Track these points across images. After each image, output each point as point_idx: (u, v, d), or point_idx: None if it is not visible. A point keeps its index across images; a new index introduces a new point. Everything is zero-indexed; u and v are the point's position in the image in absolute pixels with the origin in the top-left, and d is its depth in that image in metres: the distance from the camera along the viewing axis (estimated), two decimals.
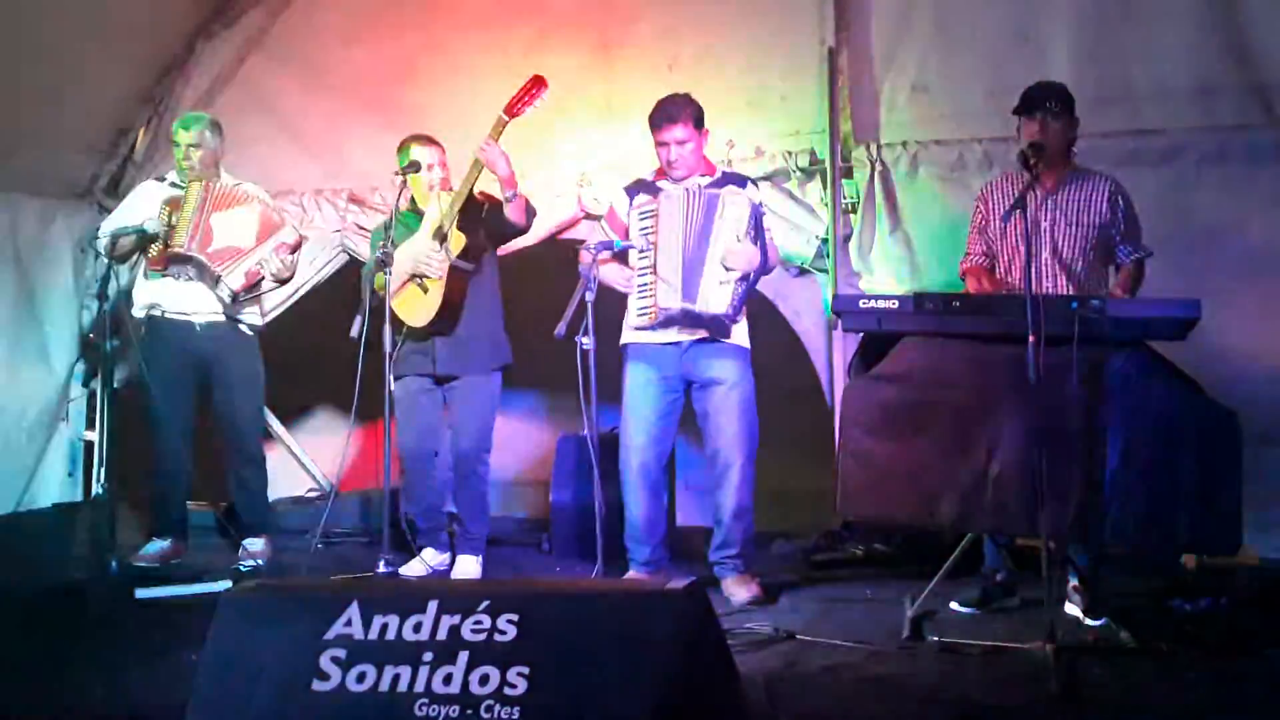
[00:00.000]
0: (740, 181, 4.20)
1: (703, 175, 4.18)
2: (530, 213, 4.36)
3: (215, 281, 4.64)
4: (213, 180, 4.72)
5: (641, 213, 4.12)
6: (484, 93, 5.25)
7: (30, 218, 5.43)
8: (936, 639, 3.46)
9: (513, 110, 4.15)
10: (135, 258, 4.81)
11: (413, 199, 4.51)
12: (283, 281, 4.87)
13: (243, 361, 4.78)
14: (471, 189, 4.30)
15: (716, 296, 3.97)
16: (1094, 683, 3.04)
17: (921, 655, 3.37)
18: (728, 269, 3.97)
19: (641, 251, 4.08)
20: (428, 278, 4.32)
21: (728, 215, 3.99)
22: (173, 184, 4.80)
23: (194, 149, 4.73)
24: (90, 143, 5.61)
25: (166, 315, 4.70)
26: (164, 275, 4.67)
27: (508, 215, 4.29)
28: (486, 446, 4.53)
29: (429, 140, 4.51)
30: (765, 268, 4.13)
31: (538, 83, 4.14)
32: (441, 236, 4.30)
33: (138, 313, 4.76)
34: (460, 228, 4.30)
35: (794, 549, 4.93)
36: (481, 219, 4.38)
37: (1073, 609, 3.75)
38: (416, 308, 4.36)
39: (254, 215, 4.72)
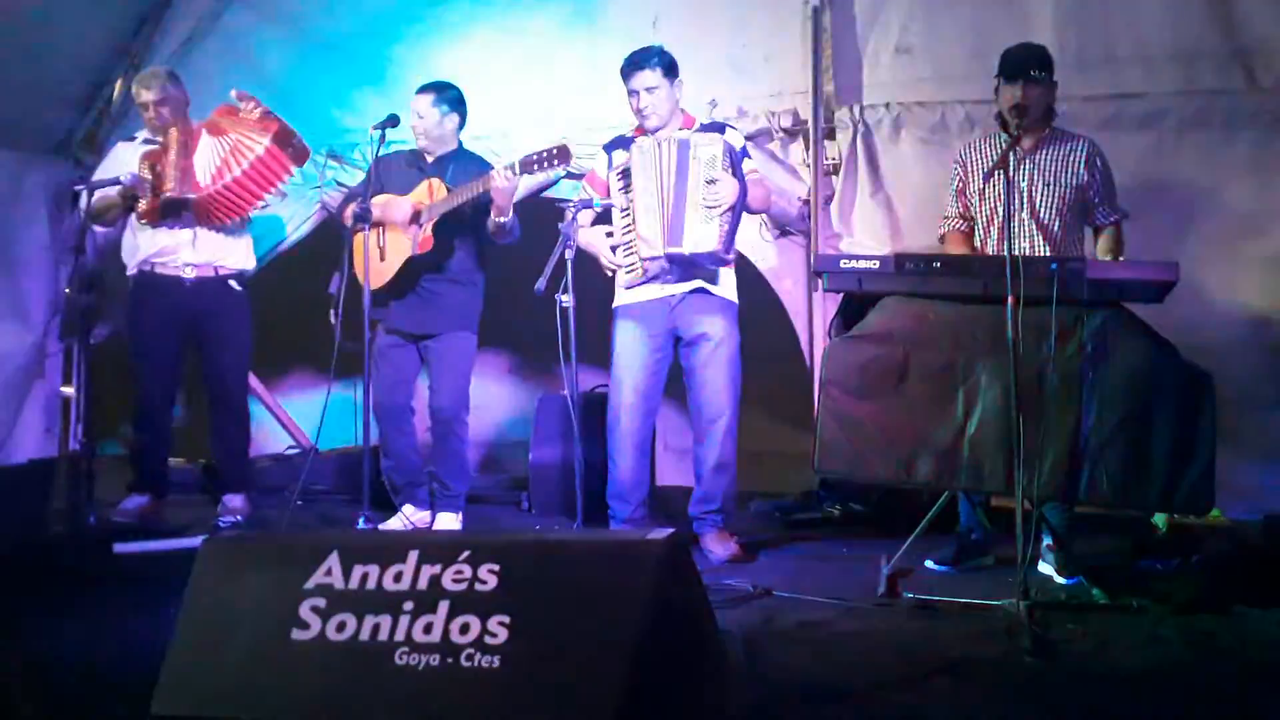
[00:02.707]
0: (719, 128, 4.18)
1: (681, 128, 4.16)
2: (514, 236, 4.34)
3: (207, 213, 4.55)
4: (184, 124, 4.62)
5: (619, 172, 4.11)
6: (466, 49, 5.25)
7: (5, 172, 5.37)
8: (911, 596, 3.50)
9: (526, 167, 4.05)
10: (116, 217, 4.74)
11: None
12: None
13: (232, 318, 4.74)
14: (464, 201, 4.22)
15: (703, 234, 3.96)
16: (1066, 639, 3.07)
17: (896, 612, 3.40)
18: (709, 206, 3.95)
19: (623, 210, 4.08)
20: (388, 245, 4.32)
21: (700, 155, 3.98)
22: (146, 140, 4.73)
23: (161, 105, 4.65)
24: (66, 96, 5.54)
25: (157, 270, 4.66)
26: (158, 227, 4.61)
27: (490, 229, 4.27)
28: (464, 404, 4.52)
29: (422, 90, 4.47)
30: (747, 203, 4.09)
31: (563, 155, 4.00)
32: (417, 223, 4.27)
33: (129, 270, 4.72)
34: (436, 229, 4.26)
35: (772, 508, 4.97)
36: (464, 225, 4.34)
37: (1046, 568, 3.80)
38: (373, 268, 4.32)
39: (226, 144, 4.54)
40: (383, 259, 4.33)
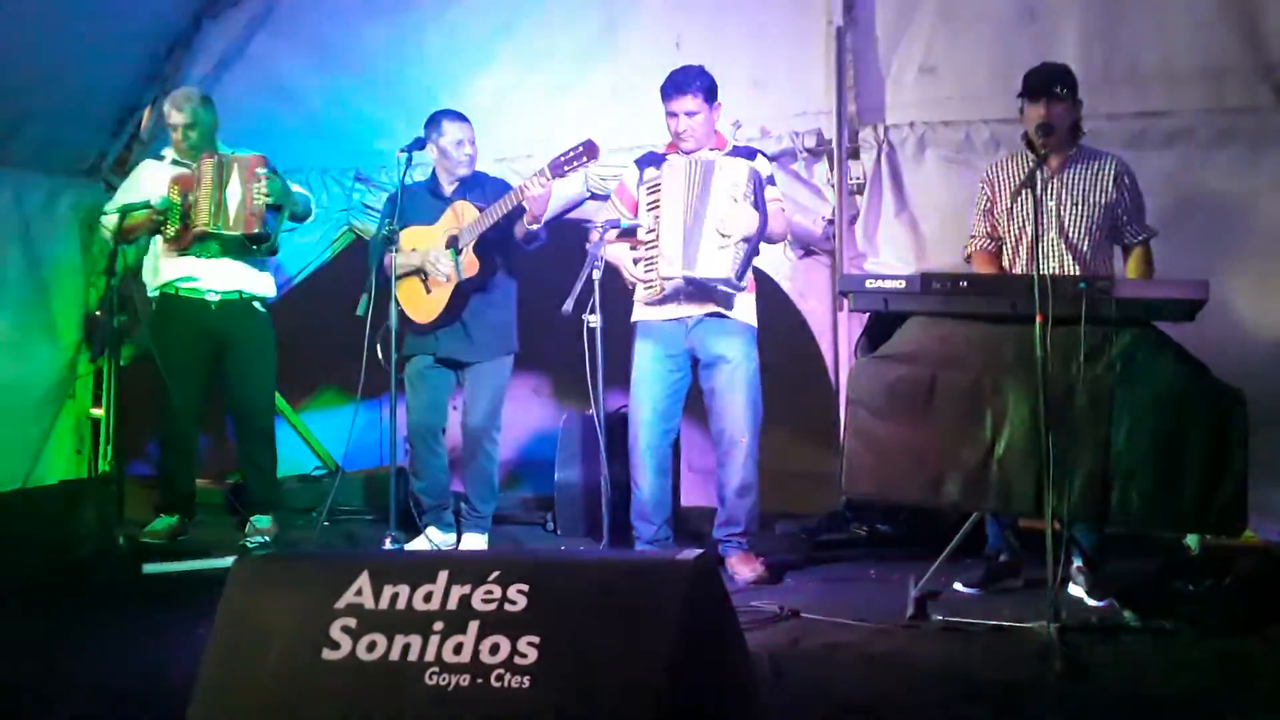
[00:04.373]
0: (749, 153, 4.19)
1: (713, 149, 4.17)
2: (541, 240, 4.38)
3: (239, 244, 4.62)
4: (218, 155, 4.68)
5: (649, 187, 4.12)
6: (489, 70, 5.29)
7: (37, 195, 5.45)
8: (940, 618, 3.47)
9: (557, 170, 4.09)
10: (142, 238, 4.80)
11: (434, 172, 4.52)
12: (288, 199, 4.72)
13: (256, 339, 4.79)
14: (500, 216, 4.23)
15: (716, 261, 3.96)
16: (1097, 662, 3.05)
17: (925, 634, 3.38)
18: (724, 234, 3.95)
19: (649, 228, 4.09)
20: (432, 278, 4.34)
21: (722, 180, 3.98)
22: (174, 162, 4.78)
23: (190, 129, 4.71)
24: (97, 120, 5.61)
25: (181, 293, 4.71)
26: (184, 254, 4.66)
27: (517, 234, 4.31)
28: (496, 425, 4.55)
29: (461, 117, 4.50)
30: (766, 233, 4.08)
31: (590, 150, 4.05)
32: (456, 249, 4.30)
33: (151, 292, 4.78)
34: (477, 251, 4.29)
35: (798, 529, 4.94)
36: (499, 241, 4.37)
37: (1076, 590, 3.76)
38: (420, 305, 4.38)
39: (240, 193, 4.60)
40: (429, 292, 4.37)
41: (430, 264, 4.32)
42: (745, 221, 3.96)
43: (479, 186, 4.48)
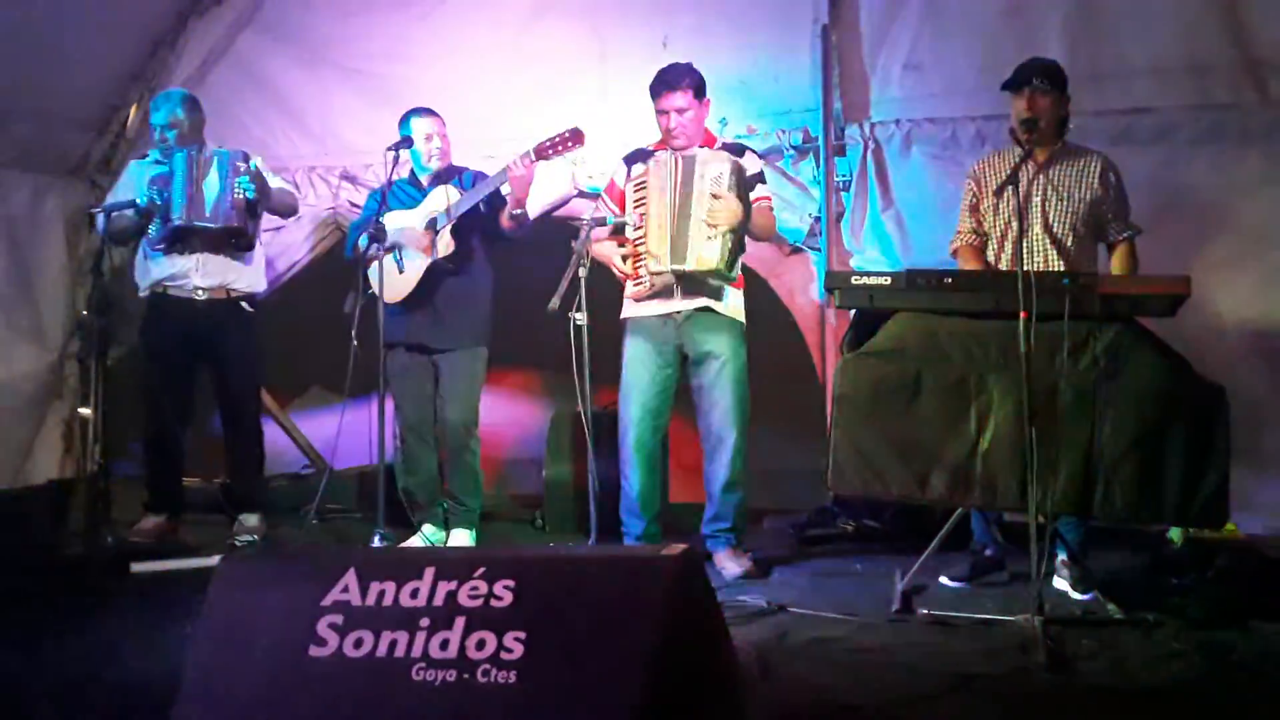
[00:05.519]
0: (738, 150, 4.20)
1: (702, 146, 4.18)
2: (527, 228, 4.38)
3: (222, 237, 4.60)
4: (193, 149, 4.64)
5: (636, 184, 4.14)
6: (478, 69, 5.29)
7: (22, 194, 5.42)
8: (926, 612, 3.49)
9: (541, 153, 4.11)
10: (133, 238, 4.80)
11: (413, 170, 4.53)
12: (265, 196, 4.68)
13: (242, 338, 4.78)
14: (482, 196, 4.28)
15: (706, 253, 3.97)
16: (1081, 654, 3.07)
17: (911, 628, 3.40)
18: (711, 224, 3.96)
19: (635, 225, 4.10)
20: (405, 258, 4.35)
21: (705, 173, 3.99)
22: (156, 161, 4.78)
23: (168, 130, 4.70)
24: (82, 120, 5.59)
25: (169, 293, 4.70)
26: (168, 252, 4.66)
27: (504, 225, 4.32)
28: (474, 420, 4.54)
29: (429, 112, 4.52)
30: (751, 230, 4.10)
31: (576, 137, 4.07)
32: (434, 229, 4.30)
33: (141, 292, 4.77)
34: (454, 232, 4.30)
35: (786, 525, 4.96)
36: (478, 225, 4.39)
37: (1061, 583, 3.79)
38: (390, 283, 4.36)
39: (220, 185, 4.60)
40: (401, 272, 4.37)
41: (406, 243, 4.34)
42: (730, 212, 3.97)
43: (456, 176, 4.49)
